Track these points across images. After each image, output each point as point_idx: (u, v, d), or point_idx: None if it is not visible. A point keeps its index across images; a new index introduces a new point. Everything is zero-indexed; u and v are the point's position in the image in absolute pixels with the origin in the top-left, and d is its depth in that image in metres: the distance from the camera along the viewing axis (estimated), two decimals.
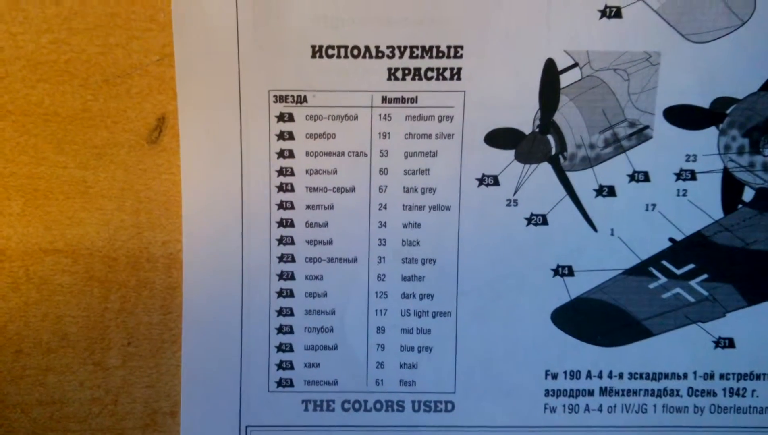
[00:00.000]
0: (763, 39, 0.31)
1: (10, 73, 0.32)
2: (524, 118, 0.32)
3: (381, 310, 0.33)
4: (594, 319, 0.33)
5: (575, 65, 0.31)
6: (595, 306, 0.33)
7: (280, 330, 0.33)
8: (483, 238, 0.33)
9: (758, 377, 0.34)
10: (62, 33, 0.31)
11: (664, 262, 0.33)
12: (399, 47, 0.31)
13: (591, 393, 0.34)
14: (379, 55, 0.31)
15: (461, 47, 0.31)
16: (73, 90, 0.32)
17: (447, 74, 0.31)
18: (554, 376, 0.33)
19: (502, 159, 0.32)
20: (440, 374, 0.33)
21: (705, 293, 0.33)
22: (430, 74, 0.31)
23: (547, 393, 0.34)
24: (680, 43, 0.31)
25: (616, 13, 0.31)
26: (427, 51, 0.31)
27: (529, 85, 0.31)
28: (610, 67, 0.31)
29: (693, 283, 0.33)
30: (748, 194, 0.33)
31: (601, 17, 0.31)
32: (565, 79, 0.31)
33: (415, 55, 0.31)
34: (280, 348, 0.33)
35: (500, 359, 0.33)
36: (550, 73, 0.31)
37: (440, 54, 0.31)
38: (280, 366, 0.33)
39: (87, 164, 0.33)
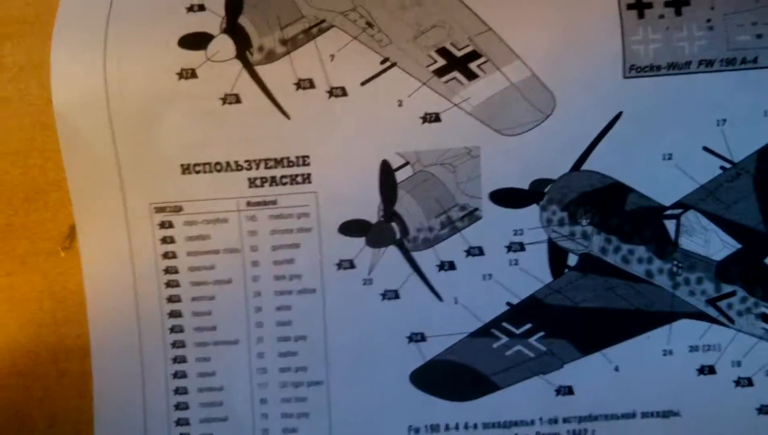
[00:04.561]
0: (567, 127, 0.36)
1: None
2: (370, 210, 0.37)
3: (262, 384, 0.38)
4: (447, 377, 0.38)
5: (407, 163, 0.37)
6: (447, 366, 0.38)
7: (177, 407, 0.38)
8: (345, 313, 0.38)
9: (596, 418, 0.38)
10: None
11: (504, 324, 0.38)
12: (255, 161, 0.37)
13: None
14: (239, 168, 0.37)
15: (308, 157, 0.36)
16: (0, 209, 0.37)
17: (299, 179, 0.37)
18: (416, 431, 0.38)
19: (356, 245, 0.37)
20: None
21: (543, 348, 0.38)
22: (284, 180, 0.37)
23: None
24: (496, 137, 0.36)
25: (435, 118, 0.36)
26: (279, 162, 0.37)
27: (370, 183, 0.37)
28: (437, 163, 0.37)
29: (532, 340, 0.38)
30: (572, 259, 0.38)
31: (424, 123, 0.36)
32: (400, 175, 0.37)
33: (269, 166, 0.37)
34: (178, 422, 0.38)
35: (369, 418, 0.38)
36: (386, 172, 0.37)
37: (290, 163, 0.37)
38: None
39: (12, 271, 0.38)
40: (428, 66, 0.36)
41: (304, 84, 0.36)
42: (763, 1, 0.36)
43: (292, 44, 0.36)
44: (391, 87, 0.36)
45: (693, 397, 0.38)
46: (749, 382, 0.38)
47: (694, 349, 0.38)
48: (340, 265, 0.37)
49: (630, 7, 0.35)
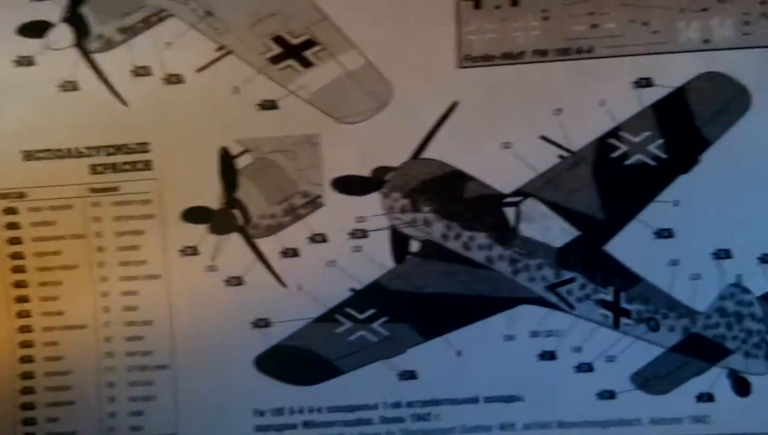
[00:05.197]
0: (405, 116, 0.37)
1: None
2: (211, 197, 0.38)
3: (109, 368, 0.39)
4: (291, 362, 0.39)
5: (246, 151, 0.37)
6: (291, 351, 0.38)
7: (23, 391, 0.39)
8: (190, 299, 0.38)
9: (439, 403, 0.39)
10: None
11: (348, 309, 0.38)
12: (96, 147, 0.37)
13: (295, 427, 0.39)
14: (80, 155, 0.37)
15: (147, 143, 0.37)
16: None
17: (140, 166, 0.37)
18: (262, 414, 0.39)
19: (198, 232, 0.38)
20: (164, 418, 0.39)
21: (386, 333, 0.39)
22: (125, 167, 0.37)
23: (257, 429, 0.39)
24: (335, 125, 0.37)
25: (272, 105, 0.37)
26: (119, 148, 0.37)
27: (210, 170, 0.37)
28: (277, 150, 0.37)
29: (375, 325, 0.39)
30: (415, 246, 0.38)
31: (261, 109, 0.37)
32: (240, 162, 0.37)
33: (110, 153, 0.37)
34: (24, 407, 0.39)
35: (215, 402, 0.39)
36: (226, 160, 0.37)
37: (130, 150, 0.37)
38: (25, 422, 0.39)
39: None
40: (263, 53, 0.36)
41: (141, 71, 0.36)
42: None
43: (131, 32, 0.36)
44: (226, 74, 0.36)
45: (535, 382, 0.39)
46: (589, 368, 0.39)
47: (535, 334, 0.38)
48: (183, 251, 0.38)
49: None
